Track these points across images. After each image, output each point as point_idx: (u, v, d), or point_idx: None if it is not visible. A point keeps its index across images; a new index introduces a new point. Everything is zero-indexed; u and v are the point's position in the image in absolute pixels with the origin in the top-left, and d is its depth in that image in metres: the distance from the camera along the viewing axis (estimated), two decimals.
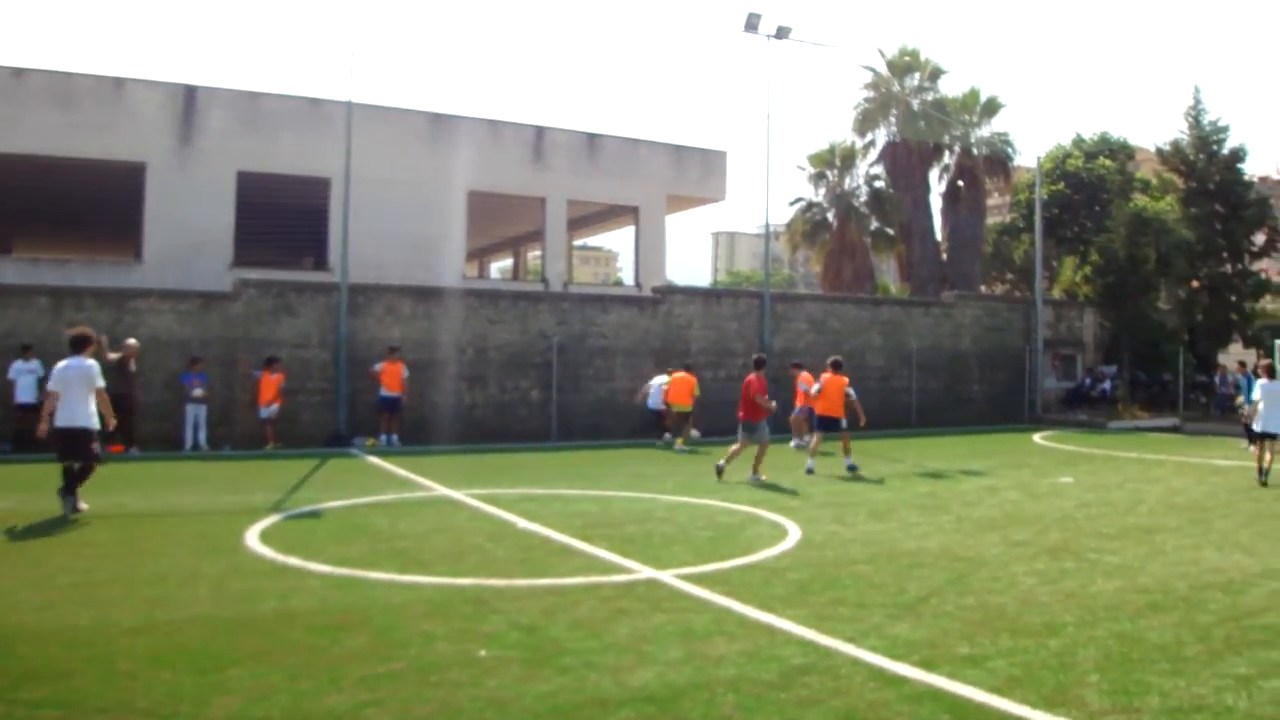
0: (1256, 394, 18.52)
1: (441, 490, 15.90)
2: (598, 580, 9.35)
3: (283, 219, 30.81)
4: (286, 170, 30.05)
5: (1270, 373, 18.44)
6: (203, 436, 22.24)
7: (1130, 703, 6.07)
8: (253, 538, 11.32)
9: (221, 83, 38.47)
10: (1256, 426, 18.27)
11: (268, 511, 13.31)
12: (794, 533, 12.04)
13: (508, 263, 56.07)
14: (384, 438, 23.62)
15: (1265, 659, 6.94)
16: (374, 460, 20.65)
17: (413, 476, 17.68)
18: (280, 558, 10.24)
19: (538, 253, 39.31)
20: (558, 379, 26.78)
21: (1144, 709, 5.97)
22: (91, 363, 13.08)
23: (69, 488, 12.76)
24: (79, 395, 12.78)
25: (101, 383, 13.15)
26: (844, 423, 19.97)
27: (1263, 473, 17.79)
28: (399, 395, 23.70)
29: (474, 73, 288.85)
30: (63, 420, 12.67)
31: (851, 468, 18.76)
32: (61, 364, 12.97)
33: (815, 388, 20.77)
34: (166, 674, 6.52)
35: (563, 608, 8.29)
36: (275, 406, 22.70)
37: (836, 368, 20.46)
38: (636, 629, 7.65)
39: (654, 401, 25.96)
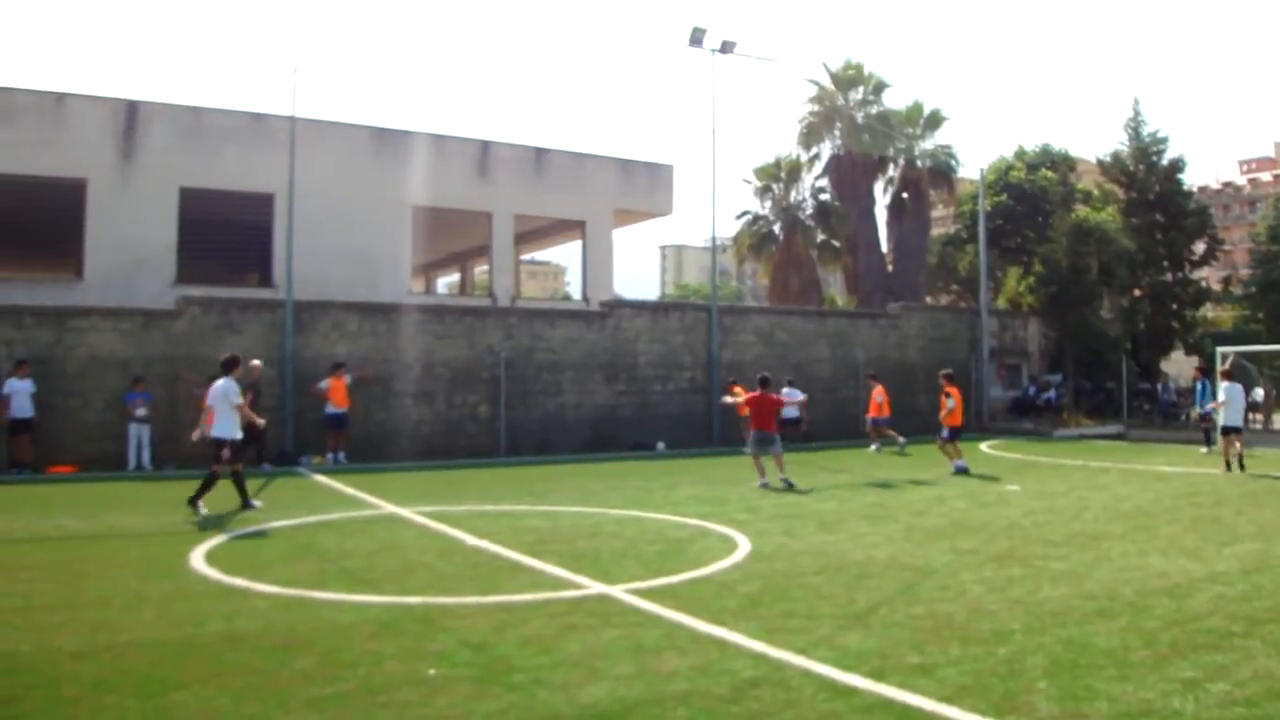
0: (1221, 395, 20.70)
1: (389, 508, 15.74)
2: (548, 596, 9.28)
3: (227, 235, 30.54)
4: (230, 186, 29.69)
5: (1229, 376, 20.91)
6: (146, 456, 21.91)
7: (1079, 708, 6.10)
8: (198, 559, 11.12)
9: (164, 98, 38.02)
10: (1224, 423, 20.41)
11: (213, 532, 13.10)
12: (744, 545, 12.03)
13: (455, 278, 55.80)
14: (331, 455, 23.38)
15: (1211, 662, 7.00)
16: (321, 478, 20.44)
17: (360, 494, 17.50)
18: (226, 579, 10.07)
19: (485, 268, 39.13)
20: (505, 394, 26.67)
21: (1092, 714, 6.00)
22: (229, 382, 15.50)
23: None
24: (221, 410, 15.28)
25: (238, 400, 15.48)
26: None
27: (1229, 466, 20.00)
28: (345, 412, 23.47)
29: (420, 87, 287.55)
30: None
31: (787, 483, 18.64)
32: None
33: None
34: (111, 699, 6.38)
35: (512, 625, 8.21)
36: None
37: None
38: (587, 645, 7.59)
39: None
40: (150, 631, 8.11)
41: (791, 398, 24.65)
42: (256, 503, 15.58)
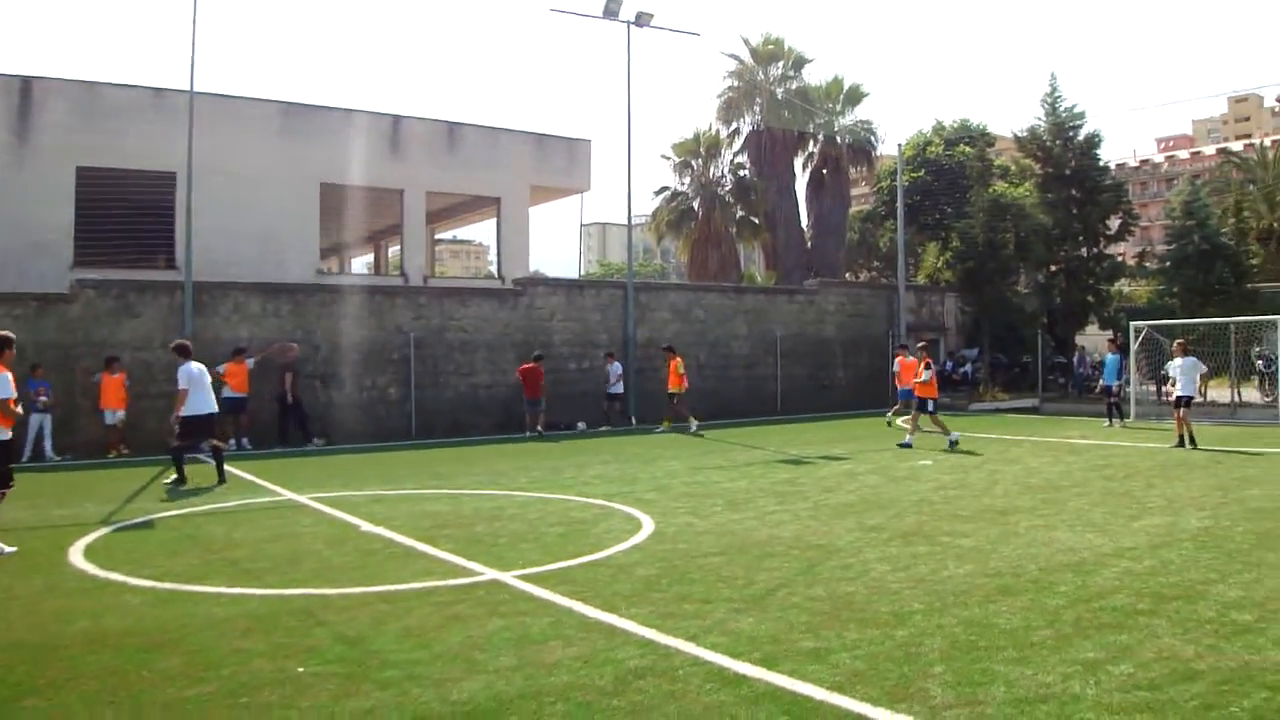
0: (1174, 370, 20.96)
1: (288, 495, 15.23)
2: (435, 584, 8.88)
3: (129, 216, 29.48)
4: (130, 165, 28.66)
5: (1184, 351, 21.01)
6: (49, 446, 21.09)
7: (974, 694, 5.83)
8: (76, 553, 10.58)
9: (59, 73, 36.76)
10: (1180, 393, 20.52)
11: (98, 524, 12.53)
12: (647, 526, 11.73)
13: (372, 258, 54.90)
14: (234, 442, 22.70)
15: (1114, 642, 6.77)
16: None
17: (259, 481, 16.95)
18: (102, 574, 9.57)
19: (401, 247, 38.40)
20: (416, 375, 26.11)
21: (988, 701, 5.72)
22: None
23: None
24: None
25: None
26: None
27: (1183, 440, 20.03)
28: (246, 397, 22.80)
29: (329, 62, 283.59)
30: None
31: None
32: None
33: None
34: None
35: (394, 616, 7.82)
36: (120, 413, 21.68)
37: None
38: (470, 636, 7.22)
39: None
40: (13, 633, 7.61)
41: (615, 373, 27.12)
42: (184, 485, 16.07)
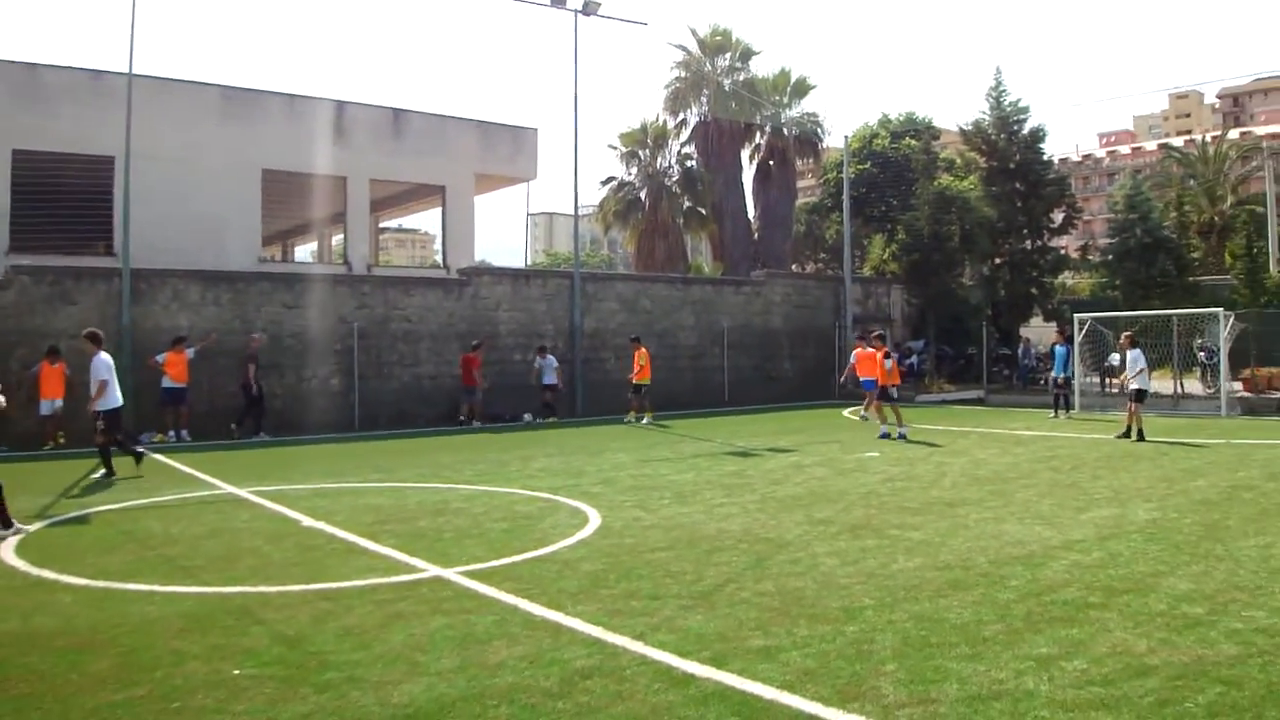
0: (1131, 361, 20.83)
1: (227, 488, 14.89)
2: (377, 582, 8.66)
3: (66, 201, 28.80)
4: (67, 149, 27.94)
5: (1133, 343, 21.17)
6: None
7: (927, 692, 5.71)
8: (7, 550, 10.26)
9: None
10: (1134, 386, 20.37)
11: (31, 519, 12.15)
12: (594, 520, 11.55)
13: (315, 246, 54.20)
14: (173, 433, 22.28)
15: (1066, 637, 6.68)
16: (160, 458, 19.39)
17: (198, 474, 16.62)
18: (34, 571, 9.28)
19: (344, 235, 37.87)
20: (360, 365, 25.79)
21: (941, 699, 5.61)
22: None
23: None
24: None
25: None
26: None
27: (1130, 432, 20.04)
28: (185, 387, 22.39)
29: (272, 46, 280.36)
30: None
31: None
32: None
33: None
34: None
35: (335, 615, 7.60)
36: (59, 402, 21.16)
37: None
38: (412, 636, 7.01)
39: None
40: None
41: (550, 366, 27.75)
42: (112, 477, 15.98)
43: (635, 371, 26.79)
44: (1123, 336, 22.16)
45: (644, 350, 27.05)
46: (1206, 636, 6.69)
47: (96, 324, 22.19)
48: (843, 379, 26.88)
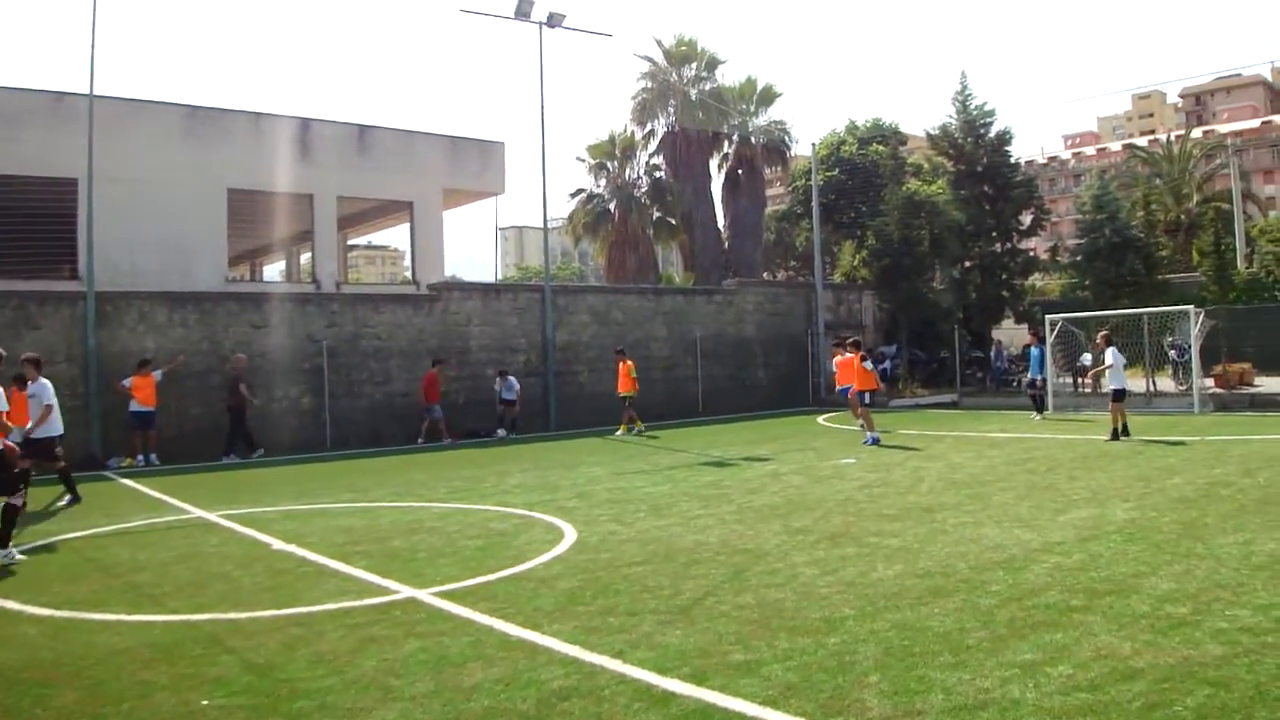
0: (1109, 360, 20.67)
1: (197, 512, 14.66)
2: (350, 605, 8.48)
3: (28, 224, 28.44)
4: (29, 171, 27.59)
5: (1109, 342, 21.08)
6: None
7: (912, 704, 5.61)
8: None
9: None
10: (1114, 386, 20.43)
11: None
12: (569, 535, 11.41)
13: (283, 265, 53.86)
14: (141, 457, 21.99)
15: (1050, 642, 6.59)
16: (128, 483, 19.12)
17: (166, 499, 16.36)
18: None
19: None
20: (330, 384, 25.53)
21: (926, 710, 5.51)
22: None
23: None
24: None
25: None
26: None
27: (1119, 433, 19.83)
28: (153, 411, 22.09)
29: (235, 64, 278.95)
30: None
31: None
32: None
33: None
34: None
35: (306, 640, 7.43)
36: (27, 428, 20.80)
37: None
38: (385, 660, 6.86)
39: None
40: None
41: (511, 387, 27.28)
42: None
43: (622, 384, 26.74)
44: (1098, 336, 22.13)
45: (629, 362, 26.96)
46: (1191, 637, 6.62)
47: (62, 349, 22.14)
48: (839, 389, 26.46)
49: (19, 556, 11.20)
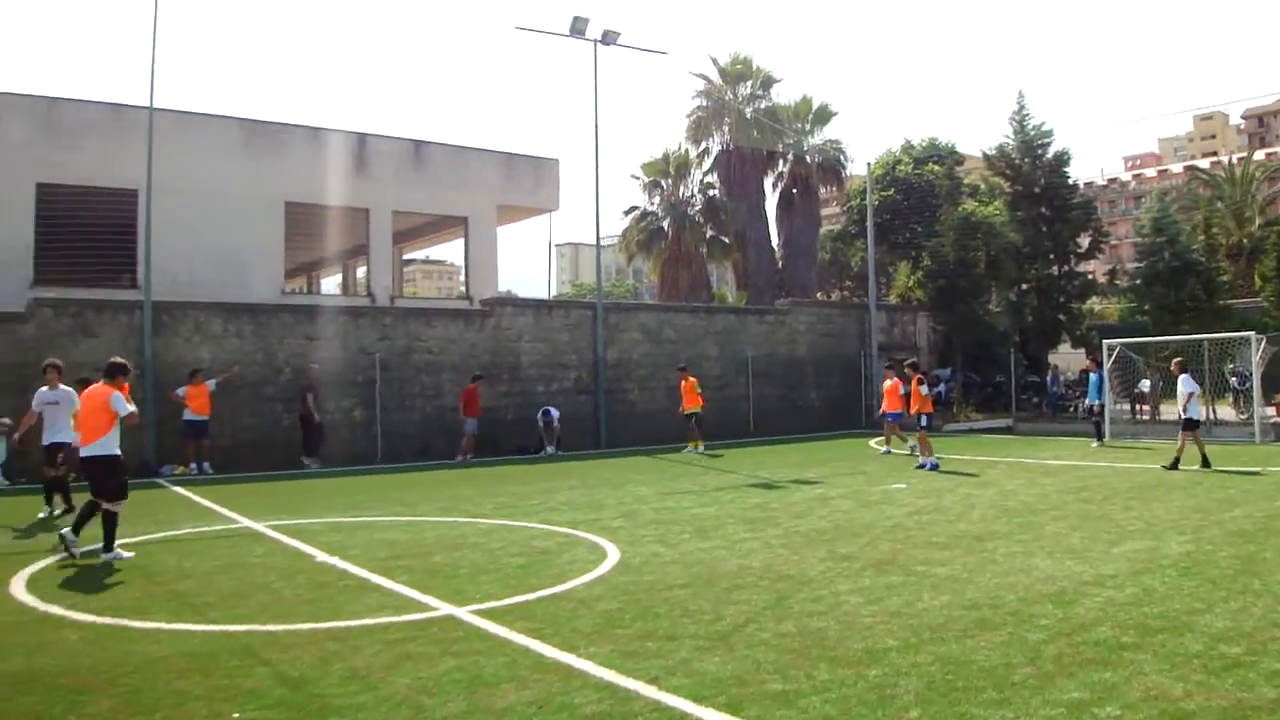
0: (1182, 389, 20.04)
1: (245, 522, 14.74)
2: (388, 620, 8.44)
3: (91, 234, 28.90)
4: (92, 182, 28.10)
5: (1182, 369, 20.49)
6: None
7: None
8: (19, 583, 10.14)
9: (19, 89, 36.16)
10: (1187, 414, 19.80)
11: (46, 552, 12.08)
12: (612, 556, 11.32)
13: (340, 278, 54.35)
14: (194, 465, 22.20)
15: (1099, 680, 6.40)
16: (180, 490, 19.29)
17: (216, 507, 16.47)
18: (42, 606, 9.14)
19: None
20: (382, 397, 25.68)
21: None
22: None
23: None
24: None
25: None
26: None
27: (1204, 462, 19.23)
28: (206, 420, 22.32)
29: (294, 79, 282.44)
30: None
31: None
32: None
33: None
34: None
35: (341, 655, 7.39)
36: None
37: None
38: (419, 678, 6.79)
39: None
40: None
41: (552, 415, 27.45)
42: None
43: (686, 400, 26.75)
44: (1172, 363, 21.58)
45: (692, 379, 26.97)
46: (1246, 679, 6.39)
47: (120, 356, 22.25)
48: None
49: (126, 555, 11.64)
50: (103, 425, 12.01)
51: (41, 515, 15.26)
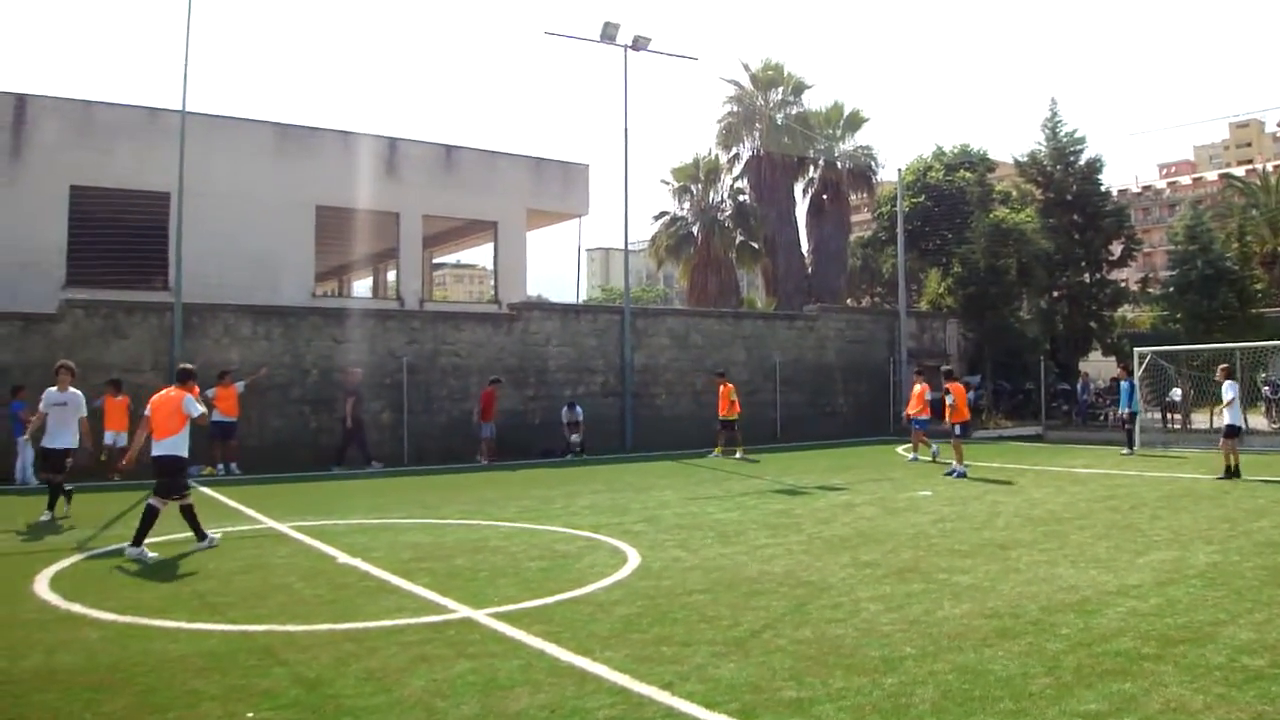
0: (1226, 394, 19.69)
1: (269, 523, 14.82)
2: (406, 622, 8.45)
3: (123, 236, 29.15)
4: (124, 184, 28.37)
5: (1228, 375, 20.22)
6: (31, 471, 20.50)
7: None
8: (43, 582, 10.22)
9: (53, 91, 36.47)
10: (1229, 421, 19.60)
11: (70, 551, 12.21)
12: (633, 560, 11.30)
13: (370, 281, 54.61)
14: (221, 467, 22.31)
15: (1117, 692, 6.33)
16: (206, 491, 19.35)
17: (241, 508, 16.55)
18: (64, 604, 9.20)
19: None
20: (409, 400, 25.77)
21: None
22: None
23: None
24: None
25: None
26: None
27: (1230, 470, 19.00)
28: (235, 421, 22.44)
29: (324, 83, 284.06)
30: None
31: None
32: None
33: None
34: None
35: (358, 656, 7.40)
36: (122, 435, 21.14)
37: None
38: (434, 680, 6.80)
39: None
40: None
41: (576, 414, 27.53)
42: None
43: (724, 407, 26.66)
44: (1218, 370, 21.30)
45: (730, 385, 26.95)
46: (1268, 691, 6.31)
47: (148, 358, 22.55)
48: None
49: (151, 556, 11.81)
50: (175, 426, 12.69)
51: (44, 518, 15.18)
